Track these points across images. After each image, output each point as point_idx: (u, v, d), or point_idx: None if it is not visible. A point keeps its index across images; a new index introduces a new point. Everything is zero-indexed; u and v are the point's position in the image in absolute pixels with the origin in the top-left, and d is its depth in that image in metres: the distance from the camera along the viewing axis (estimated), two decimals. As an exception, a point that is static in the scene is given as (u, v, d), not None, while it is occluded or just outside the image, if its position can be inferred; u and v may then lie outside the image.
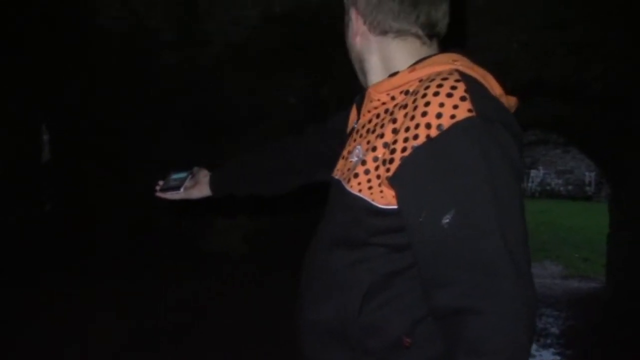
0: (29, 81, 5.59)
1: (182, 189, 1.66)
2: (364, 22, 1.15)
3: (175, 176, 1.71)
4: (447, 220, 0.92)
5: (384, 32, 1.14)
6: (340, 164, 1.21)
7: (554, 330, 5.23)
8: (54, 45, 5.16)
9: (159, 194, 1.71)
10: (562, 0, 4.46)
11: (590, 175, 17.64)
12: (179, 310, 4.72)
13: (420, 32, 1.14)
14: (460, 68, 1.03)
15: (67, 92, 5.72)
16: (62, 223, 6.02)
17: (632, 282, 5.63)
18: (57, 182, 6.38)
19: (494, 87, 1.06)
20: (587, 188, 17.96)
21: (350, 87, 1.32)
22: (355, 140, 1.18)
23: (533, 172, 18.65)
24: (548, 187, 18.62)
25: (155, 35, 4.95)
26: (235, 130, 5.53)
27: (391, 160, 0.99)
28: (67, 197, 6.34)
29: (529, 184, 18.64)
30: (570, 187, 18.28)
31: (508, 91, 1.11)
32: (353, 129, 1.25)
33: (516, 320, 0.90)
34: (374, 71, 1.17)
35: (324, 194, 1.27)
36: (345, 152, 1.22)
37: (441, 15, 1.14)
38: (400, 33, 1.13)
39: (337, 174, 1.21)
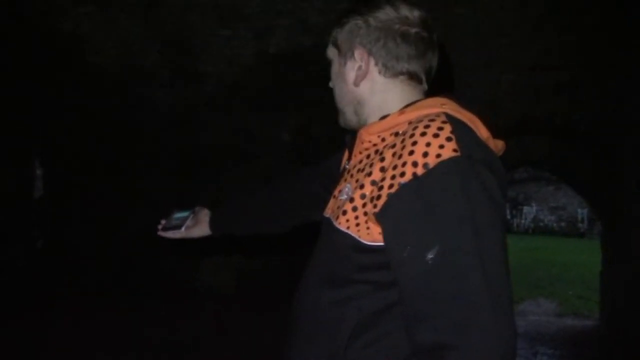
0: (23, 117, 5.63)
1: (183, 228, 1.68)
2: (376, 64, 1.17)
3: (177, 215, 1.74)
4: (431, 257, 0.94)
5: (395, 75, 1.17)
6: (331, 202, 1.23)
7: (549, 368, 5.17)
8: (48, 82, 5.21)
9: (161, 233, 1.73)
10: (550, 43, 4.57)
11: (582, 212, 17.69)
12: (165, 348, 4.64)
13: (423, 77, 1.19)
14: (448, 111, 1.06)
15: (59, 129, 5.75)
16: (49, 260, 5.98)
17: (626, 319, 5.60)
18: (49, 219, 6.36)
19: (481, 130, 1.09)
20: (580, 225, 18.00)
21: (336, 126, 1.35)
22: (345, 180, 1.20)
23: (526, 209, 18.70)
24: (541, 224, 18.65)
25: (149, 74, 5.01)
26: (228, 168, 5.56)
27: (378, 197, 1.01)
28: (54, 234, 6.31)
29: (522, 221, 18.68)
30: (563, 224, 18.32)
31: (496, 132, 1.14)
32: (344, 169, 1.27)
33: (493, 355, 0.91)
34: (373, 113, 1.19)
35: (315, 234, 1.28)
36: (336, 192, 1.24)
37: (436, 62, 1.20)
38: (410, 75, 1.17)
39: (327, 212, 1.23)
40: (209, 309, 5.38)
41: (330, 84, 1.30)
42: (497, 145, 1.14)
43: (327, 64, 1.29)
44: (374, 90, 1.18)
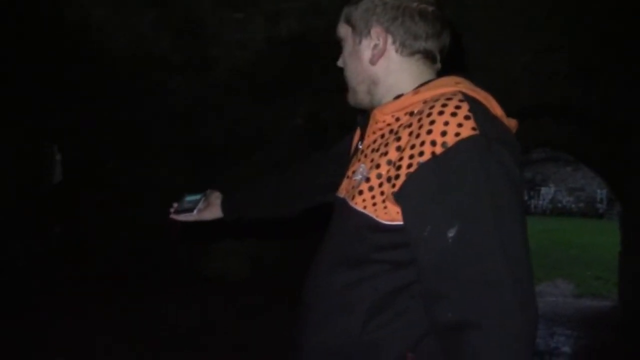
0: (40, 104, 5.69)
1: (195, 211, 1.68)
2: (393, 42, 1.16)
3: (189, 198, 1.74)
4: (451, 235, 0.95)
5: (412, 53, 1.16)
6: (345, 183, 1.23)
7: (566, 349, 5.16)
8: (63, 70, 5.24)
9: (173, 216, 1.73)
10: (565, 26, 4.49)
11: (601, 193, 17.52)
12: (178, 335, 4.70)
13: (437, 55, 1.19)
14: (463, 89, 1.06)
15: (74, 116, 5.80)
16: (64, 247, 6.08)
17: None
18: (66, 205, 6.44)
19: (495, 109, 1.09)
20: (599, 205, 17.84)
21: (350, 111, 1.34)
22: (359, 160, 1.20)
23: (544, 190, 18.56)
24: (559, 205, 18.51)
25: (160, 60, 5.01)
26: (239, 154, 5.57)
27: (397, 177, 1.02)
28: (70, 221, 6.40)
29: (540, 202, 18.54)
30: (581, 205, 18.17)
31: (510, 113, 1.14)
32: (357, 149, 1.27)
33: (516, 334, 0.92)
34: (387, 92, 1.19)
35: (327, 219, 1.28)
36: (349, 172, 1.24)
37: (449, 41, 1.20)
38: (426, 54, 1.17)
39: (341, 192, 1.23)
40: (221, 295, 5.41)
41: (339, 63, 1.28)
42: (510, 124, 1.13)
43: (339, 46, 1.27)
44: (390, 69, 1.18)
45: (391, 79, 1.18)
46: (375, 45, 1.17)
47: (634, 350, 4.89)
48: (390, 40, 1.16)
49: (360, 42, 1.19)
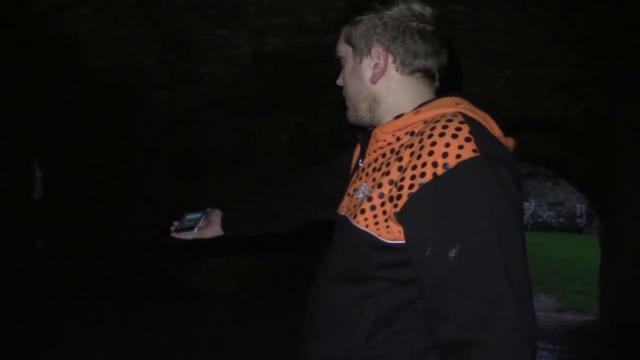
0: (21, 118, 5.62)
1: (196, 229, 1.70)
2: (394, 61, 1.17)
3: (189, 217, 1.76)
4: (453, 255, 0.96)
5: (412, 72, 1.18)
6: (346, 200, 1.24)
7: (549, 364, 5.18)
8: (46, 84, 5.20)
9: (174, 235, 1.75)
10: (548, 40, 4.57)
11: (581, 208, 17.75)
12: (166, 349, 4.64)
13: (436, 74, 1.21)
14: (463, 111, 1.08)
15: (58, 130, 5.75)
16: (48, 262, 5.98)
17: (626, 314, 5.62)
18: (48, 220, 6.36)
19: (494, 129, 1.11)
20: (579, 220, 18.05)
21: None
22: (360, 178, 1.21)
23: (524, 205, 18.73)
24: (540, 220, 18.69)
25: (148, 75, 5.01)
26: (225, 169, 5.56)
27: (399, 197, 1.03)
28: (54, 237, 6.31)
29: (521, 217, 18.68)
30: (561, 219, 18.38)
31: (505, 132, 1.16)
32: (358, 167, 1.28)
33: (517, 352, 0.94)
34: (388, 111, 1.20)
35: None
36: (350, 190, 1.25)
37: (447, 59, 1.22)
38: (425, 73, 1.19)
39: (342, 210, 1.24)
40: (211, 310, 5.37)
41: (339, 82, 1.29)
42: (508, 143, 1.15)
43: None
44: (390, 88, 1.19)
45: (392, 97, 1.19)
46: (376, 65, 1.18)
47: (616, 363, 4.93)
48: (390, 59, 1.17)
49: (361, 61, 1.21)
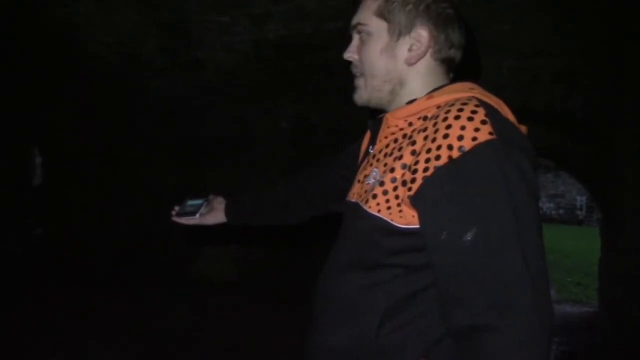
0: (21, 105, 5.61)
1: (198, 215, 1.69)
2: (433, 47, 1.17)
3: (191, 202, 1.75)
4: (469, 239, 0.95)
5: (442, 60, 1.18)
6: (357, 187, 1.23)
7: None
8: (46, 71, 5.18)
9: (175, 219, 1.73)
10: (549, 31, 4.54)
11: (581, 200, 17.73)
12: (165, 338, 4.65)
13: (456, 63, 1.22)
14: (478, 95, 1.07)
15: (58, 117, 5.73)
16: (48, 248, 5.99)
17: (625, 306, 5.62)
18: (47, 206, 6.36)
19: (508, 115, 1.10)
20: (579, 212, 18.04)
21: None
22: (371, 164, 1.20)
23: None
24: (540, 211, 18.69)
25: (147, 62, 4.98)
26: (224, 155, 5.55)
27: (413, 180, 1.02)
28: (54, 223, 6.31)
29: (521, 208, 18.68)
30: (562, 212, 18.36)
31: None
32: (368, 153, 1.26)
33: (533, 337, 0.92)
34: (409, 95, 1.18)
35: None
36: (360, 176, 1.24)
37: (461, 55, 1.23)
38: (449, 62, 1.20)
39: (353, 197, 1.23)
40: (209, 298, 5.38)
41: (350, 56, 1.24)
42: (521, 130, 1.14)
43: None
44: (419, 73, 1.18)
45: (418, 82, 1.18)
46: (412, 47, 1.16)
47: (615, 355, 4.94)
48: (433, 41, 1.16)
49: (398, 39, 1.17)
